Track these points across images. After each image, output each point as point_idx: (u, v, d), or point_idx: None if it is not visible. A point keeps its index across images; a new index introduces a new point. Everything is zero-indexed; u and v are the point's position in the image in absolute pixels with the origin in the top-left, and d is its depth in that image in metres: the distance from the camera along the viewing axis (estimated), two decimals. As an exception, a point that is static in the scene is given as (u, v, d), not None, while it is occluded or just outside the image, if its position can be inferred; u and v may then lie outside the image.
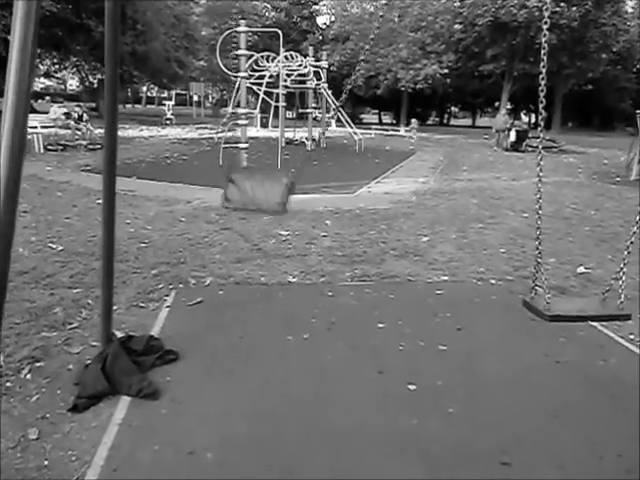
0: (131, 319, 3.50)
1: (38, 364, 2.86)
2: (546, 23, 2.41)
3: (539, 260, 2.52)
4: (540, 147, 2.54)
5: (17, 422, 2.36)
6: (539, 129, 2.56)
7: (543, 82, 2.40)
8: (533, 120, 42.16)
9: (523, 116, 19.05)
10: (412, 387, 2.77)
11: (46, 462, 2.13)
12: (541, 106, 2.49)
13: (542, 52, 2.37)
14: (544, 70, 2.40)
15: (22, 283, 4.03)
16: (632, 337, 3.51)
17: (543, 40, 2.39)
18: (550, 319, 2.48)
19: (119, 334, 3.05)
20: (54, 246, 5.06)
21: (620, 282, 2.56)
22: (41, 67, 32.98)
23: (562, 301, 3.35)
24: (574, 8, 28.47)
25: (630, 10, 34.39)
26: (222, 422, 2.44)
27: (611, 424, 2.53)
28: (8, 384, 2.65)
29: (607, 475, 2.17)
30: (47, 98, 21.97)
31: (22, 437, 2.26)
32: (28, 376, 2.74)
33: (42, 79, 39.53)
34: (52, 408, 2.47)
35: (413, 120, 20.52)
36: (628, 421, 2.54)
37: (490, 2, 29.34)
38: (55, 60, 32.37)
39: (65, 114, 14.65)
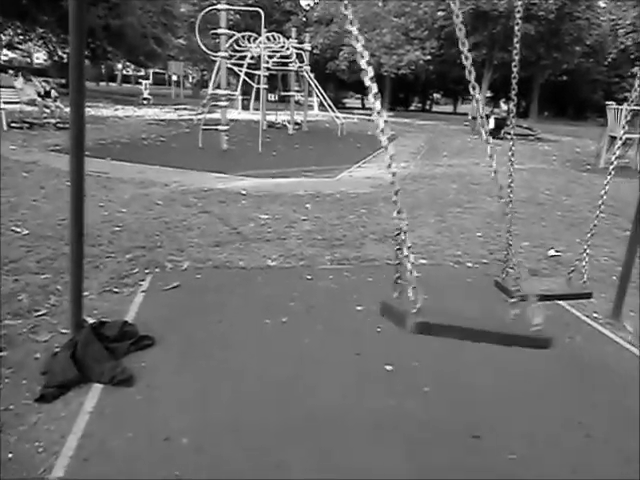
0: (104, 305, 3.38)
1: (0, 354, 2.70)
2: (519, 12, 2.53)
3: (510, 242, 2.64)
4: (512, 133, 2.67)
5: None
6: (511, 115, 2.70)
7: (516, 69, 2.53)
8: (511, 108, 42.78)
9: (502, 104, 19.16)
10: (389, 368, 2.80)
11: (10, 455, 2.02)
12: (513, 93, 2.58)
13: (515, 40, 2.50)
14: (517, 58, 2.51)
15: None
16: (596, 316, 3.68)
17: (516, 29, 2.52)
18: (519, 299, 2.61)
19: (91, 320, 2.93)
20: (19, 230, 4.80)
21: (583, 263, 2.82)
22: (2, 37, 31.29)
23: (531, 281, 3.47)
24: (551, 0, 28.89)
25: (603, 5, 35.34)
26: (199, 407, 2.38)
27: (579, 397, 2.67)
28: (-33, 376, 2.49)
29: (576, 444, 2.28)
30: (10, 72, 20.73)
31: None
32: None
33: (5, 51, 37.62)
34: (17, 399, 2.35)
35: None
36: (594, 394, 2.70)
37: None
38: (19, 31, 30.69)
39: (40, 95, 13.80)
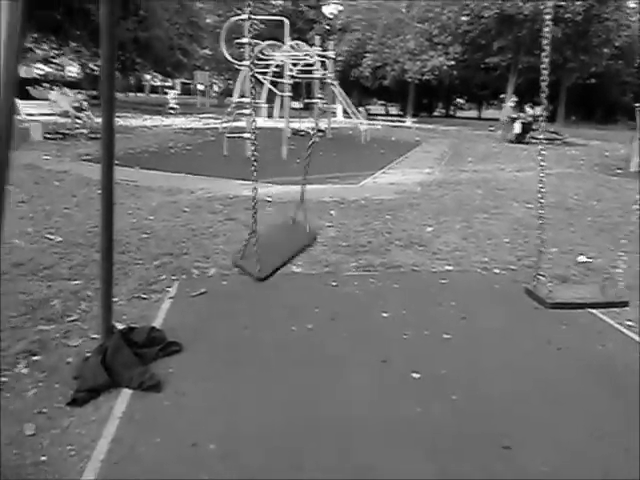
0: (133, 311, 3.44)
1: (35, 358, 2.78)
2: (549, 14, 2.43)
3: (541, 249, 2.57)
4: (542, 137, 2.60)
5: (13, 418, 2.29)
6: (540, 120, 2.63)
7: (546, 72, 2.44)
8: (538, 113, 41.94)
9: (528, 109, 18.85)
10: (416, 375, 2.76)
11: (43, 458, 2.07)
12: (543, 96, 2.50)
13: (544, 42, 2.42)
14: (547, 60, 2.43)
15: (18, 275, 3.93)
16: (630, 324, 3.55)
17: (545, 31, 2.43)
18: (551, 306, 2.56)
19: (120, 326, 2.98)
20: (52, 237, 4.96)
21: (618, 270, 2.68)
22: (39, 52, 32.42)
23: (563, 289, 3.40)
24: (578, 2, 28.35)
25: (633, 5, 34.20)
26: (226, 413, 2.39)
27: (610, 406, 2.58)
28: (3, 379, 2.57)
29: (606, 454, 2.21)
30: (45, 85, 21.55)
31: (18, 433, 2.19)
32: (24, 370, 2.66)
33: (40, 65, 38.94)
34: (50, 403, 2.41)
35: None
36: (625, 403, 2.60)
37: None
38: (53, 45, 31.78)
39: (73, 107, 14.23)
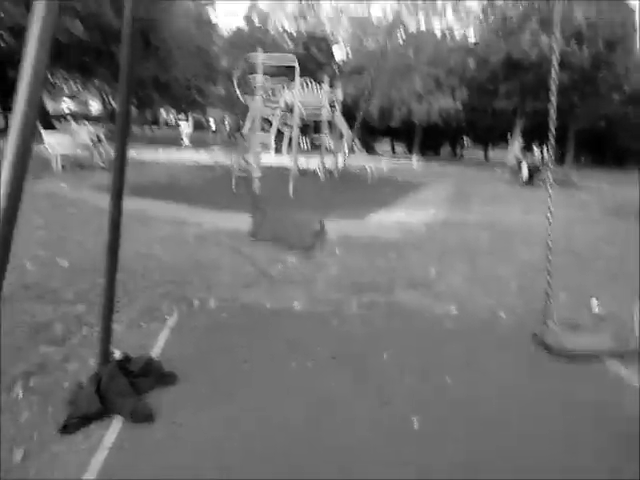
0: (132, 338, 3.43)
1: (32, 381, 2.78)
2: (554, 65, 2.48)
3: (549, 293, 2.48)
4: (551, 179, 2.57)
5: (4, 441, 2.26)
6: (544, 161, 2.63)
7: (554, 116, 2.44)
8: (546, 156, 42.30)
9: (536, 150, 19.04)
10: (416, 419, 2.68)
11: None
12: (551, 137, 2.51)
13: (552, 89, 2.44)
14: (554, 105, 2.44)
15: (24, 297, 3.99)
16: None
17: (553, 74, 2.45)
18: (559, 354, 2.43)
19: (118, 353, 2.97)
20: (62, 262, 5.05)
21: (632, 318, 2.53)
22: (65, 89, 33.75)
23: (572, 336, 3.27)
24: (585, 49, 28.88)
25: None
26: (220, 447, 2.35)
27: (625, 463, 2.44)
28: (-1, 401, 2.56)
29: None
30: (68, 118, 22.62)
31: (7, 458, 2.16)
32: (20, 393, 2.65)
33: (67, 100, 40.46)
34: (42, 428, 2.39)
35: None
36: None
37: (504, 42, 29.87)
38: (78, 82, 33.18)
39: (92, 140, 14.77)
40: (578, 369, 3.31)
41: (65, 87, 33.87)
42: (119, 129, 2.64)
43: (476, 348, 3.67)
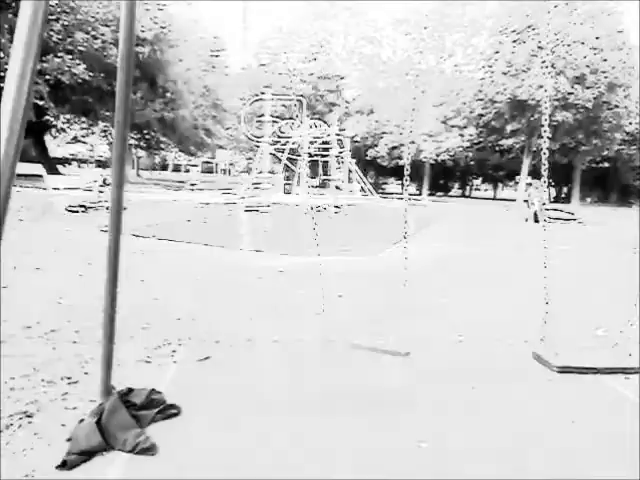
0: (136, 374, 3.32)
1: (29, 419, 2.66)
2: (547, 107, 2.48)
3: (547, 312, 2.53)
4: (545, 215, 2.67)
5: None
6: (542, 197, 2.81)
7: (545, 156, 2.60)
8: (553, 194, 42.71)
9: (541, 189, 19.33)
10: (424, 445, 2.62)
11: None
12: (544, 175, 2.62)
13: (545, 130, 2.59)
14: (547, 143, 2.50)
15: (24, 337, 3.91)
16: None
17: (546, 115, 2.54)
18: (559, 370, 2.50)
19: (119, 388, 2.85)
20: (63, 301, 4.97)
21: (629, 336, 2.65)
22: (70, 132, 34.32)
23: (572, 354, 3.30)
24: (588, 90, 29.57)
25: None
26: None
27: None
28: (-3, 440, 2.44)
29: None
30: (74, 162, 23.10)
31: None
32: (18, 432, 2.53)
33: (72, 145, 41.18)
34: (39, 466, 2.26)
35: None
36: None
37: (509, 82, 30.53)
38: (84, 125, 33.65)
39: (97, 182, 15.06)
40: (579, 389, 3.24)
41: (70, 131, 34.33)
42: (115, 169, 2.63)
43: (483, 373, 3.63)
